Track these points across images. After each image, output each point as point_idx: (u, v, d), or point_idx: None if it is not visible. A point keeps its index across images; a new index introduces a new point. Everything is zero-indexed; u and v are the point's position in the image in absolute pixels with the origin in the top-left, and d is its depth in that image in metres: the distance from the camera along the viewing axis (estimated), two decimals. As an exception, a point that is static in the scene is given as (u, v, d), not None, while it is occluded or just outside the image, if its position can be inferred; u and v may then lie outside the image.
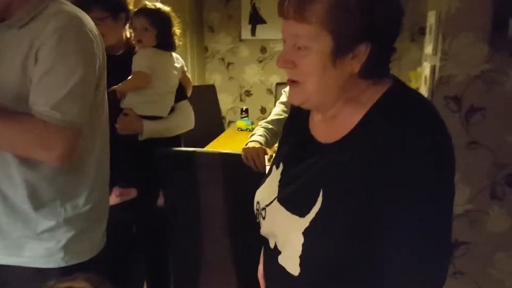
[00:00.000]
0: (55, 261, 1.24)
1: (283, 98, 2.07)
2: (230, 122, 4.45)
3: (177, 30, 2.04)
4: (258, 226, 1.06)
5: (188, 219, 2.08)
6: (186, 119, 2.20)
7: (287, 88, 2.01)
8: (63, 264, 1.24)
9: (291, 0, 0.84)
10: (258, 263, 1.13)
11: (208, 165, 1.95)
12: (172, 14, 2.02)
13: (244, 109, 3.90)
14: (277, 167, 1.04)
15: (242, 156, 1.79)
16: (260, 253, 1.12)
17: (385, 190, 0.82)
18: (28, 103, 1.12)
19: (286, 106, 2.00)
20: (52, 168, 1.18)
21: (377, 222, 0.83)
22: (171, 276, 2.24)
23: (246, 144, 1.85)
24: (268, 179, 1.07)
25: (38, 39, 1.10)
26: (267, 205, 1.01)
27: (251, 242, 1.15)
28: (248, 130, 3.50)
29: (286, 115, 1.28)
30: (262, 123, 1.98)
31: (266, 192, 1.03)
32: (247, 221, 1.16)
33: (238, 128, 3.58)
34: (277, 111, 2.02)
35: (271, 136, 1.91)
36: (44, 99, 1.10)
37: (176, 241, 2.15)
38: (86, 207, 1.27)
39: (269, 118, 2.01)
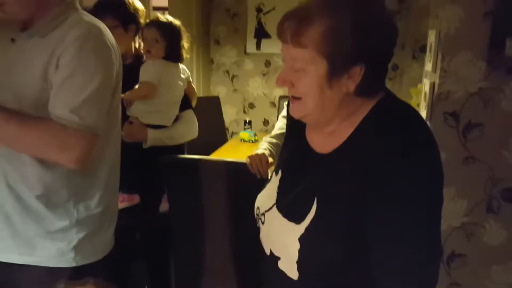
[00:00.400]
0: (66, 261, 1.27)
1: (285, 112, 2.12)
2: (233, 134, 4.50)
3: (185, 43, 2.11)
4: (258, 230, 1.10)
5: (191, 226, 2.11)
6: (189, 128, 2.24)
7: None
8: (73, 264, 1.27)
9: (288, 26, 0.89)
10: (259, 269, 1.15)
11: (213, 173, 1.99)
12: (182, 28, 2.09)
13: (247, 121, 3.96)
14: (277, 174, 1.09)
15: (247, 164, 1.84)
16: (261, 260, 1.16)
17: (375, 198, 0.86)
18: (47, 108, 1.17)
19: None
20: (67, 170, 1.22)
21: (369, 227, 0.87)
22: (172, 282, 2.27)
23: None
24: (268, 185, 1.11)
25: (59, 47, 1.16)
26: (266, 211, 1.05)
27: (253, 249, 1.17)
28: (251, 141, 3.55)
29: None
30: (267, 137, 2.02)
31: (266, 198, 1.08)
32: (249, 228, 1.20)
33: (241, 139, 3.62)
34: (280, 125, 2.06)
35: (275, 149, 1.95)
36: (63, 104, 1.15)
37: (179, 247, 2.17)
38: (97, 209, 1.31)
39: (273, 132, 2.04)
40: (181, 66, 2.18)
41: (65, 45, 1.15)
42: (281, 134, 1.99)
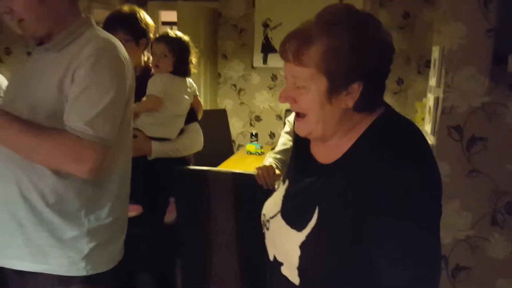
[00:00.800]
0: (77, 270, 1.29)
1: (287, 128, 2.16)
2: (239, 146, 4.54)
3: (193, 58, 2.15)
4: (263, 236, 1.13)
5: (199, 235, 2.13)
6: (194, 140, 2.27)
7: (290, 118, 2.12)
8: (84, 273, 1.30)
9: (290, 46, 0.94)
10: (266, 278, 1.18)
11: (220, 184, 2.02)
12: (191, 43, 2.13)
13: (253, 134, 4.00)
14: (284, 183, 1.14)
15: (255, 174, 1.87)
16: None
17: (374, 209, 0.89)
18: (62, 120, 1.20)
19: (290, 135, 2.09)
20: (80, 180, 1.25)
21: (369, 238, 0.90)
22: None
23: None
24: (275, 193, 1.15)
25: (75, 61, 1.20)
26: (271, 217, 1.09)
27: (260, 259, 1.20)
28: (257, 153, 3.59)
29: (292, 144, 1.35)
30: (271, 153, 2.06)
31: (272, 205, 1.12)
32: (256, 238, 1.23)
33: (248, 152, 3.66)
34: (283, 141, 2.10)
35: (280, 164, 1.99)
36: (78, 116, 1.18)
37: (186, 256, 2.19)
38: (108, 219, 1.33)
39: (276, 148, 2.08)
40: (189, 80, 2.22)
41: (81, 60, 1.20)
42: (284, 150, 2.03)
